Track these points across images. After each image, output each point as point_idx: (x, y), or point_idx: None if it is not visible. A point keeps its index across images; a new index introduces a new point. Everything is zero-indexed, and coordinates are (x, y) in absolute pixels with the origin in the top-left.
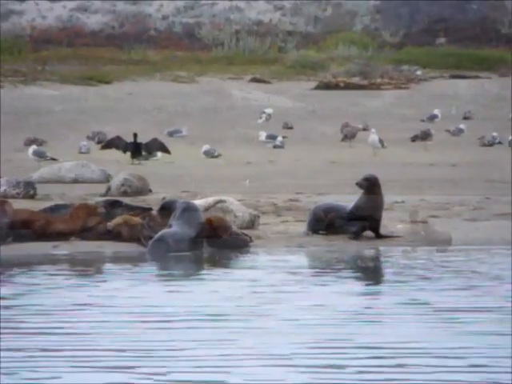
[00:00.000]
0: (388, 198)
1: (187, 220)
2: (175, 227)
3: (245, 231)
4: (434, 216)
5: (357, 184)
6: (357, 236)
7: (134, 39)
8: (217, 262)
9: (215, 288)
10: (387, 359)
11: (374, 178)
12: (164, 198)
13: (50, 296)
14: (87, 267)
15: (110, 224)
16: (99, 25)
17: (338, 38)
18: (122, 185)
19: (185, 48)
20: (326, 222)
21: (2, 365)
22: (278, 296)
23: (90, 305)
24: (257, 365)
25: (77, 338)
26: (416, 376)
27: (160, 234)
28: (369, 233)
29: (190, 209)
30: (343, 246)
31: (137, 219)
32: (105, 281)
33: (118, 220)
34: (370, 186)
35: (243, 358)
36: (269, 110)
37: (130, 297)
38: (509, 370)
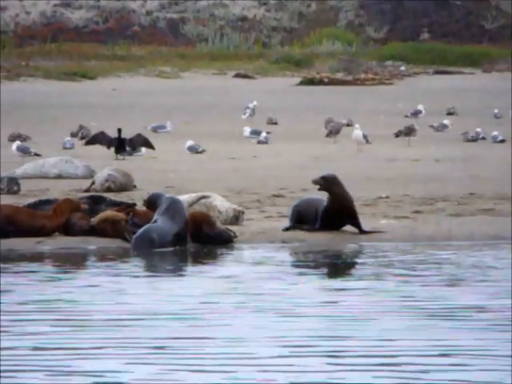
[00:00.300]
0: (372, 193)
1: (172, 215)
2: (159, 222)
3: (229, 227)
4: (417, 211)
5: (313, 181)
6: (319, 228)
7: (118, 35)
8: (198, 258)
9: (191, 284)
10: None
11: (331, 177)
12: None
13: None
14: (69, 263)
15: (94, 220)
16: (83, 20)
17: (322, 34)
18: (106, 180)
19: (169, 44)
20: (306, 218)
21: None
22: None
23: (59, 300)
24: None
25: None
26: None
27: (144, 229)
28: (352, 229)
29: (174, 204)
30: (326, 241)
31: (121, 215)
32: (82, 277)
33: (101, 216)
34: (327, 185)
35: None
36: (252, 105)
37: (101, 292)
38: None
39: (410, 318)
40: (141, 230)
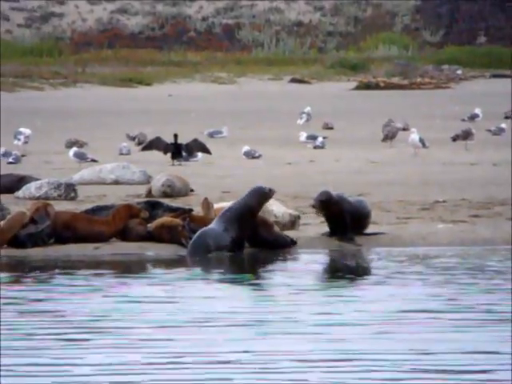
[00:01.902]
0: (429, 197)
1: (229, 218)
2: (215, 225)
3: (285, 231)
4: (475, 216)
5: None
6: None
7: (174, 40)
8: (255, 265)
9: (243, 293)
10: None
11: (326, 196)
12: (206, 199)
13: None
14: (127, 269)
15: (151, 226)
16: (139, 26)
17: (378, 38)
18: (163, 185)
19: (225, 49)
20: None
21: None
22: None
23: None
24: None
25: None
26: None
27: (199, 233)
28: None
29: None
30: (381, 244)
31: (177, 220)
32: (140, 284)
33: (158, 221)
34: (325, 206)
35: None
36: (308, 109)
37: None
38: None
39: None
40: (196, 235)
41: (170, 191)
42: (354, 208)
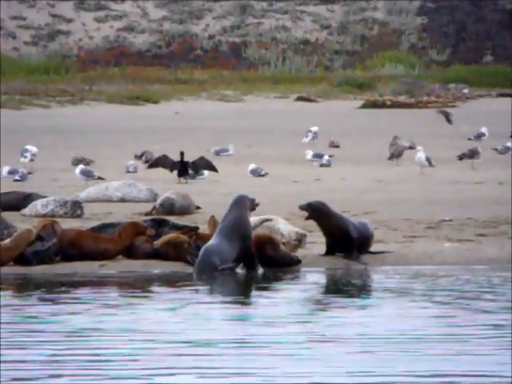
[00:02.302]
0: (435, 216)
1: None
2: (220, 241)
3: (291, 250)
4: (481, 234)
5: (299, 207)
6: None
7: (181, 58)
8: (261, 283)
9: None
10: None
11: (317, 205)
12: (213, 217)
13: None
14: (132, 288)
15: (157, 243)
16: (146, 44)
17: (385, 57)
18: (162, 204)
19: (231, 67)
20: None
21: None
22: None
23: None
24: None
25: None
26: None
27: (204, 250)
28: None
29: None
30: (385, 263)
31: (183, 237)
32: (142, 304)
33: (164, 238)
34: (312, 213)
35: None
36: (315, 129)
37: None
38: None
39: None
40: (202, 252)
41: (169, 209)
42: (358, 230)
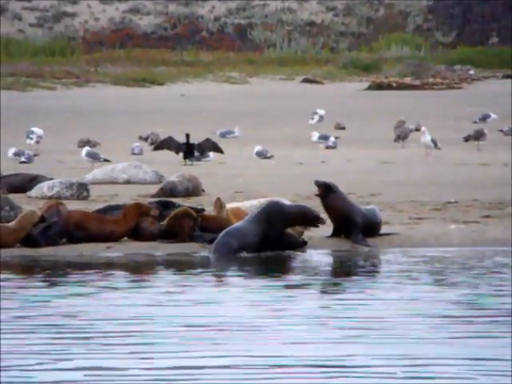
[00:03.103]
0: (441, 198)
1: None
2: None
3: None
4: (487, 216)
5: (315, 182)
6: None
7: (187, 40)
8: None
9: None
10: None
11: (331, 185)
12: (219, 199)
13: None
14: (138, 271)
15: (164, 222)
16: (151, 26)
17: (391, 39)
18: (168, 188)
19: (237, 49)
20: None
21: None
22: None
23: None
24: None
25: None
26: None
27: (224, 233)
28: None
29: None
30: (390, 245)
31: (190, 210)
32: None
33: (172, 213)
34: (323, 193)
35: None
36: (321, 111)
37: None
38: None
39: None
40: (222, 235)
41: (170, 193)
42: (365, 217)
